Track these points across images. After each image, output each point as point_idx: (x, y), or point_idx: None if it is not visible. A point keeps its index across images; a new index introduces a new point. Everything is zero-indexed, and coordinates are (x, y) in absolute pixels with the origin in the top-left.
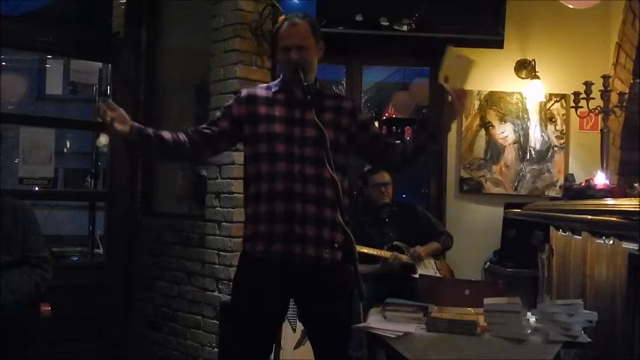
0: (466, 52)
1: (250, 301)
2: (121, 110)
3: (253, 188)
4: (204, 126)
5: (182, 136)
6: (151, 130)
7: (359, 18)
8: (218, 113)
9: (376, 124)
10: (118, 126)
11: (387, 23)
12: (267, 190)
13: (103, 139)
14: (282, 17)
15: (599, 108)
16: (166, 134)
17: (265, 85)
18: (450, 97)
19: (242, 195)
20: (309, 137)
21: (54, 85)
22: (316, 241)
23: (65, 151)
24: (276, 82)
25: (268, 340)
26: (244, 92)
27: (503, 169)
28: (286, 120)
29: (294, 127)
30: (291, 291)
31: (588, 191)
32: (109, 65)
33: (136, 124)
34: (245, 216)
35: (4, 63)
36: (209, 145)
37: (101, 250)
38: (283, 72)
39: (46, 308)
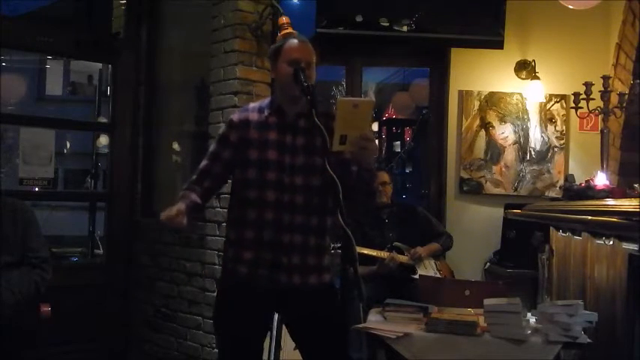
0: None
1: (234, 324)
2: (178, 210)
3: (240, 213)
4: (204, 173)
5: (200, 191)
6: (191, 203)
7: (359, 18)
8: (214, 147)
9: (376, 124)
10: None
11: (387, 24)
12: (254, 218)
13: (103, 140)
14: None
15: (599, 109)
16: (195, 198)
17: (257, 105)
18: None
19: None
20: (298, 165)
21: (54, 86)
22: (302, 268)
23: (65, 151)
24: (266, 102)
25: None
26: (236, 117)
27: (503, 169)
28: (278, 145)
29: (285, 154)
30: (273, 311)
31: (588, 192)
32: (109, 66)
33: (185, 207)
34: (227, 239)
35: (4, 63)
36: (223, 183)
37: (101, 251)
38: (282, 86)
39: (46, 308)
